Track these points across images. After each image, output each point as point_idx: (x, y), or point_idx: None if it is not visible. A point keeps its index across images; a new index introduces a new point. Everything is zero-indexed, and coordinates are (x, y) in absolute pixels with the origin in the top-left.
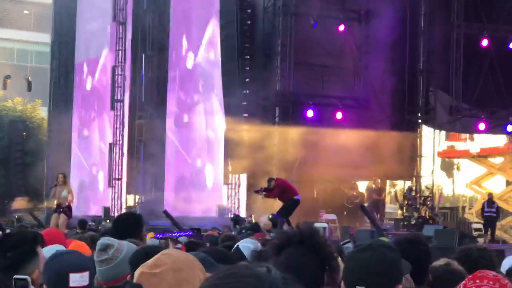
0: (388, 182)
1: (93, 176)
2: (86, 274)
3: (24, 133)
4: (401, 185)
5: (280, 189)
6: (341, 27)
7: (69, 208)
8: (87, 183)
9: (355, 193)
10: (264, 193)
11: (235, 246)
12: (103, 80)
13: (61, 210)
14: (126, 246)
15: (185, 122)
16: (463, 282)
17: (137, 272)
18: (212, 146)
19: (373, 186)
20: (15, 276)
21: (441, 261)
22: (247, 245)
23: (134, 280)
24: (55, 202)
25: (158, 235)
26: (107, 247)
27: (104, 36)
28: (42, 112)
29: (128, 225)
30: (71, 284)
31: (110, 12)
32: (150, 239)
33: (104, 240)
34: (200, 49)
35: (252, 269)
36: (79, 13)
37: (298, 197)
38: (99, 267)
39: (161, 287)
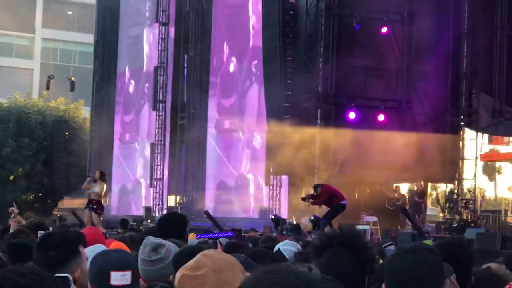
0: (429, 184)
1: (134, 176)
2: (128, 273)
3: (66, 133)
4: (443, 188)
5: (326, 196)
6: (384, 29)
7: (98, 204)
8: (128, 184)
9: (396, 195)
10: (311, 200)
11: (276, 248)
12: (145, 81)
13: (92, 206)
14: (173, 247)
15: (226, 128)
16: (507, 286)
17: (178, 274)
18: (253, 147)
19: (415, 188)
20: (57, 275)
21: (488, 265)
22: (288, 248)
23: (176, 282)
24: (88, 195)
25: (199, 236)
26: (158, 247)
27: (146, 37)
28: (84, 112)
29: (172, 225)
30: (112, 283)
31: (152, 14)
32: (190, 239)
33: (153, 239)
34: (242, 52)
35: (292, 268)
36: (122, 14)
37: (345, 202)
38: (150, 266)
39: None
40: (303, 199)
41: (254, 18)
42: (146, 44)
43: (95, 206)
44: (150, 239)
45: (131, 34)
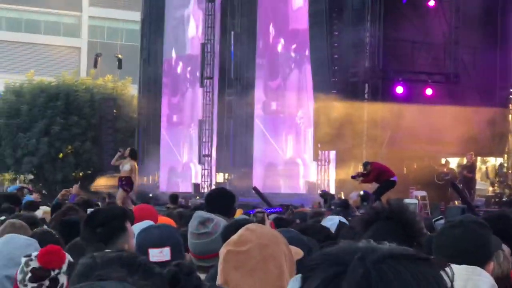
0: (479, 158)
1: (182, 155)
2: (166, 250)
3: (114, 111)
4: (492, 162)
5: (376, 173)
6: (431, 2)
7: (128, 182)
8: (175, 162)
9: (445, 170)
10: (361, 178)
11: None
12: (189, 62)
13: (121, 183)
14: (222, 221)
15: (272, 109)
16: None
17: (223, 250)
18: (299, 126)
19: (464, 162)
20: (105, 251)
21: None
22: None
23: (221, 258)
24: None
25: (248, 212)
26: (206, 221)
27: (191, 17)
28: (132, 90)
29: (220, 201)
30: (150, 259)
31: None
32: (239, 216)
33: (202, 213)
34: (282, 34)
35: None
36: None
37: (395, 178)
38: (196, 239)
39: (248, 264)
40: (353, 177)
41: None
42: (191, 24)
43: (123, 183)
44: (199, 213)
45: (176, 15)
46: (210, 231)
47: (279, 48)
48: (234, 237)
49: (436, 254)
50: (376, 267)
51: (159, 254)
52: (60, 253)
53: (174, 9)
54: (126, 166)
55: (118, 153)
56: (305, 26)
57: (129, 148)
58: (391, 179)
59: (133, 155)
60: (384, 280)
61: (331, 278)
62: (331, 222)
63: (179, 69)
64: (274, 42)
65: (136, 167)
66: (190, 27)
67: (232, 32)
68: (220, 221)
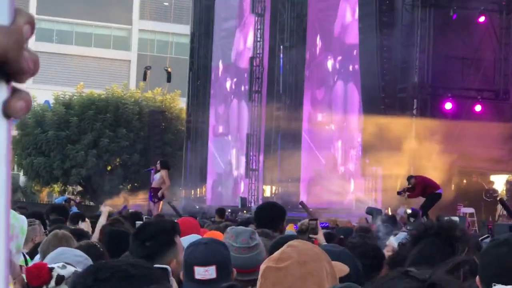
0: None
1: (228, 168)
2: (211, 268)
3: (163, 124)
4: None
5: (422, 186)
6: (481, 19)
7: (155, 193)
8: (222, 176)
9: (494, 187)
10: (407, 193)
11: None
12: (235, 75)
13: (150, 195)
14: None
15: (319, 121)
16: None
17: (262, 266)
18: (347, 140)
19: None
20: (156, 266)
21: None
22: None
23: (260, 274)
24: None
25: (296, 227)
26: (252, 234)
27: (239, 31)
28: (181, 103)
29: (270, 214)
30: (196, 277)
31: (246, 6)
32: (288, 230)
33: (246, 228)
34: (329, 47)
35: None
36: (217, 6)
37: (440, 190)
38: (243, 254)
39: (286, 281)
40: (398, 193)
41: (350, 4)
42: (239, 38)
43: (152, 194)
44: (243, 228)
45: (225, 28)
46: (258, 243)
47: (326, 62)
48: (276, 253)
49: (481, 273)
50: None
51: (204, 273)
52: (44, 270)
53: (223, 23)
54: (157, 176)
55: (152, 171)
56: (352, 41)
57: (159, 161)
58: (436, 192)
59: (164, 166)
60: None
61: None
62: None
63: (225, 83)
64: (321, 55)
65: (167, 176)
66: (238, 40)
67: (281, 46)
68: (255, 232)
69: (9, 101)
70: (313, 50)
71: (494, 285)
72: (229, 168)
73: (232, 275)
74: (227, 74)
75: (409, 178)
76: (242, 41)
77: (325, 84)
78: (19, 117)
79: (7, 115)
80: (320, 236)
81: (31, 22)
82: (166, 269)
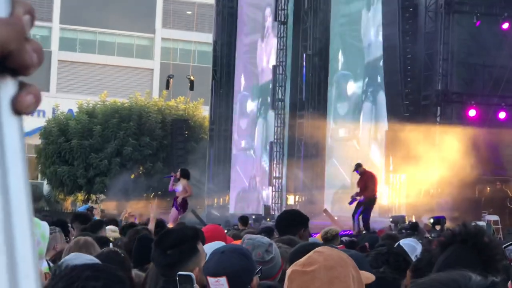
0: None
1: (251, 176)
2: (222, 279)
3: (186, 132)
4: None
5: (365, 181)
6: (505, 25)
7: (182, 203)
8: (245, 185)
9: None
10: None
11: (396, 244)
12: (264, 88)
13: (175, 204)
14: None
15: (340, 136)
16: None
17: (289, 270)
18: (371, 146)
19: None
20: (179, 273)
21: None
22: (408, 242)
23: (286, 278)
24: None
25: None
26: (269, 246)
27: (265, 36)
28: (203, 111)
29: (291, 221)
30: (210, 287)
31: (270, 16)
32: (314, 238)
33: (262, 239)
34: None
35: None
36: (240, 14)
37: (376, 195)
38: (265, 266)
39: (313, 285)
40: (350, 203)
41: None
42: (263, 47)
43: (178, 204)
44: (260, 239)
45: (248, 37)
46: (274, 255)
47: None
48: (303, 258)
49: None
50: None
51: (215, 283)
52: None
53: (246, 31)
54: (179, 187)
55: (172, 178)
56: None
57: (179, 169)
58: (374, 196)
59: (184, 175)
60: None
61: None
62: (406, 242)
63: (247, 102)
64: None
65: (189, 186)
66: (262, 50)
67: (304, 54)
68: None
69: (17, 96)
70: (336, 56)
71: None
72: (253, 182)
73: (252, 285)
74: (249, 92)
75: (358, 165)
76: (266, 50)
77: (347, 97)
78: (30, 112)
79: (17, 111)
80: None
81: (31, 12)
82: (189, 276)
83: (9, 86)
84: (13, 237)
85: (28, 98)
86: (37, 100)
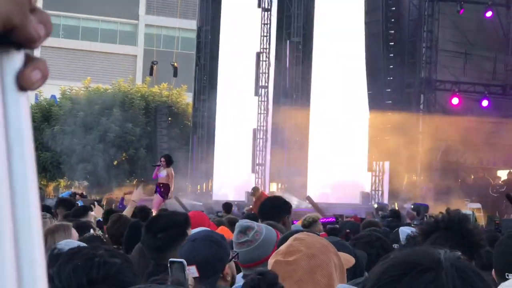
0: None
1: (235, 163)
2: (192, 268)
3: (169, 119)
4: None
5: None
6: (489, 13)
7: (166, 189)
8: (228, 170)
9: (500, 182)
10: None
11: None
12: (246, 67)
13: (159, 190)
14: (265, 229)
15: (325, 118)
16: None
17: (271, 260)
18: (355, 133)
19: None
20: (171, 259)
21: None
22: (405, 230)
23: (269, 267)
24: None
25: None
26: (247, 229)
27: (247, 23)
28: (187, 98)
29: (273, 208)
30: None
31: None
32: (296, 225)
33: (243, 222)
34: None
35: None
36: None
37: None
38: (238, 248)
39: (295, 275)
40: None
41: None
42: (246, 33)
43: (162, 190)
44: (240, 222)
45: (232, 24)
46: (250, 239)
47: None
48: (283, 247)
49: (495, 264)
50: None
51: (187, 271)
52: None
53: (229, 17)
54: (163, 172)
55: (157, 166)
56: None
57: (164, 156)
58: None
59: (168, 162)
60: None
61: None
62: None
63: (232, 77)
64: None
65: (172, 173)
66: (245, 35)
67: (288, 41)
68: (263, 229)
69: (23, 72)
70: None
71: (508, 275)
72: (235, 164)
73: (224, 273)
74: (232, 70)
75: (256, 189)
76: (249, 36)
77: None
78: (36, 88)
79: (23, 87)
80: None
81: None
82: (181, 262)
83: (14, 61)
84: (16, 220)
85: (34, 73)
86: (44, 76)
